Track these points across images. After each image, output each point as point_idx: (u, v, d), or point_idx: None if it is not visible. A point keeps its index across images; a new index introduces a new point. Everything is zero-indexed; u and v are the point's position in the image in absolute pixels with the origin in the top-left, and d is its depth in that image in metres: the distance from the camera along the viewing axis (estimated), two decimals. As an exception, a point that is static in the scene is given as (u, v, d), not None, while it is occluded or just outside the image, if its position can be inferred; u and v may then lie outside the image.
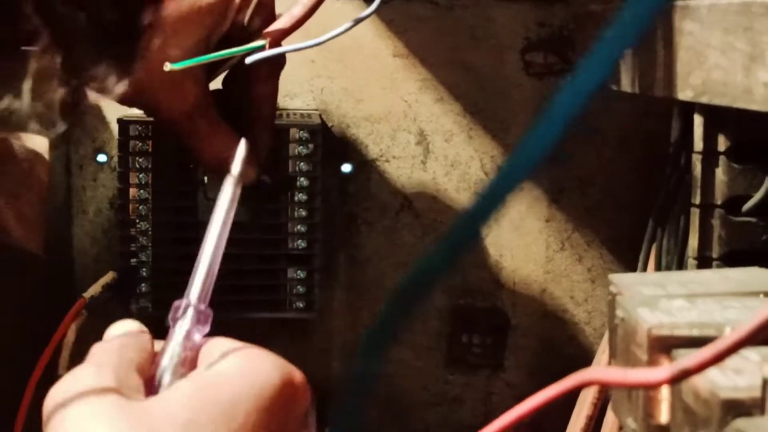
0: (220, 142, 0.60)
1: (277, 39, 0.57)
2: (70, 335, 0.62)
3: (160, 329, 0.67)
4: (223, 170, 0.61)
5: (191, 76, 0.56)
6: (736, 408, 0.31)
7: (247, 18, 0.58)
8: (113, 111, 0.69)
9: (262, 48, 0.57)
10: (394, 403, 0.71)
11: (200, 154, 0.61)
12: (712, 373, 0.32)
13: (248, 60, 0.56)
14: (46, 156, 0.66)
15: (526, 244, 0.71)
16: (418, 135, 0.70)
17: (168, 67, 0.54)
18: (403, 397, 0.71)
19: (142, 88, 0.57)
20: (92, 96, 0.58)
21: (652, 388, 0.32)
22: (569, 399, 0.58)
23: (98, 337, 0.70)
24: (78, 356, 0.65)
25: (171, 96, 0.57)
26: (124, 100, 0.59)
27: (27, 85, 0.47)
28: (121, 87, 0.58)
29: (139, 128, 0.64)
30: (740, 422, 0.28)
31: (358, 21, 0.57)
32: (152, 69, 0.57)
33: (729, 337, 0.27)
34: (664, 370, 0.28)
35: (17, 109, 0.47)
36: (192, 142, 0.60)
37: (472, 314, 0.71)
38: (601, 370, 0.30)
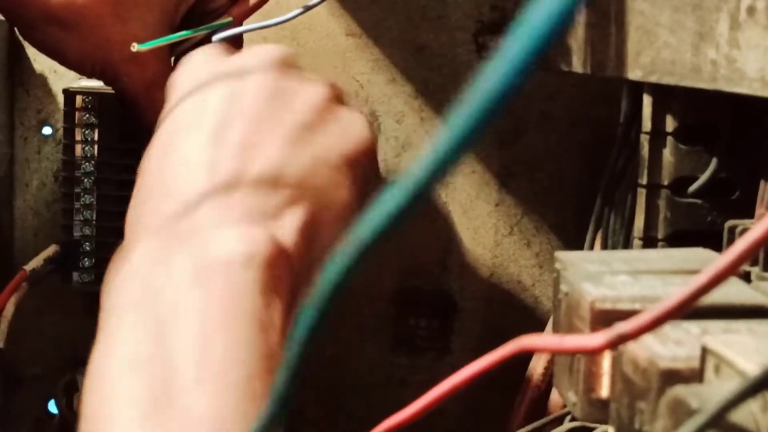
0: None
1: (243, 17, 0.59)
2: (9, 308, 0.61)
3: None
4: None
5: (154, 51, 0.56)
6: (675, 378, 0.31)
7: None
8: (60, 82, 0.68)
9: (228, 25, 0.58)
10: (337, 384, 0.70)
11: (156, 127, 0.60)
12: (653, 344, 0.32)
13: (215, 38, 0.57)
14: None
15: (474, 227, 0.70)
16: (370, 115, 0.69)
17: (135, 48, 0.54)
18: (346, 378, 0.70)
19: (101, 58, 0.57)
20: None
21: (588, 353, 0.32)
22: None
23: (38, 310, 0.69)
24: (17, 330, 0.64)
25: (131, 67, 0.57)
26: (84, 68, 0.59)
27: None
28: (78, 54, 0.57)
29: (86, 99, 0.63)
30: (678, 389, 0.28)
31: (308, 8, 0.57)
32: (113, 39, 0.56)
33: (667, 302, 0.27)
34: (602, 335, 0.28)
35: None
36: (149, 116, 0.59)
37: (419, 297, 0.70)
38: (538, 336, 0.30)
